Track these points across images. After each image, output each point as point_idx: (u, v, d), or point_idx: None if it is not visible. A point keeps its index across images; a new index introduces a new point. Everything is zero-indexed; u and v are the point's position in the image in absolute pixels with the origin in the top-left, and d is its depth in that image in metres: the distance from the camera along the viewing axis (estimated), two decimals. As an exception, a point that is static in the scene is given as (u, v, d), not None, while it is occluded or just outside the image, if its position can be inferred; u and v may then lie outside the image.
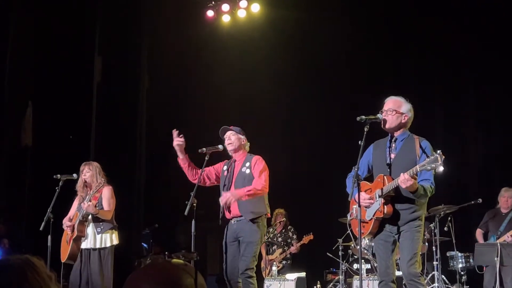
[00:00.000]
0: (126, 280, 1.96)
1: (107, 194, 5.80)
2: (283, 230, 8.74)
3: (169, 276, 1.95)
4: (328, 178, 8.48)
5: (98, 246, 5.69)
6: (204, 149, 5.09)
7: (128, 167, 9.29)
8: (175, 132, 5.29)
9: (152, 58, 9.97)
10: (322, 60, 9.77)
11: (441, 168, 3.93)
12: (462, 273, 7.53)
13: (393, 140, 4.36)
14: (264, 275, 8.04)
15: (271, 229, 8.54)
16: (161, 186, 9.84)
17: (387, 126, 4.33)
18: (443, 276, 7.36)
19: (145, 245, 9.64)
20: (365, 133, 4.17)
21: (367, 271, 7.60)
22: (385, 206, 4.18)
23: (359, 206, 4.18)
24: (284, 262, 8.56)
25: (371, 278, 6.97)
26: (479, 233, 7.45)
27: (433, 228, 7.32)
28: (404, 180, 3.96)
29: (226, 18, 9.84)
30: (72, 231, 5.70)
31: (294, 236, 8.68)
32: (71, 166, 6.05)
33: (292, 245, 8.55)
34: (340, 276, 7.71)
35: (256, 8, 9.65)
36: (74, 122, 9.06)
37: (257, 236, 5.06)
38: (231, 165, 5.28)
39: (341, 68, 9.78)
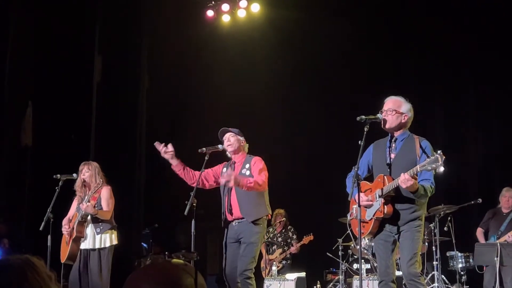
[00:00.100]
0: (126, 280, 1.96)
1: (106, 194, 5.79)
2: (283, 230, 8.74)
3: (169, 276, 1.95)
4: (328, 178, 8.48)
5: (97, 246, 5.69)
6: (204, 149, 5.09)
7: (128, 167, 9.28)
8: (158, 145, 5.22)
9: (152, 58, 9.97)
10: (322, 60, 9.77)
11: (441, 169, 3.93)
12: (462, 273, 7.53)
13: (393, 140, 4.36)
14: (264, 275, 8.04)
15: (271, 229, 8.54)
16: (161, 186, 9.83)
17: (387, 126, 4.33)
18: (443, 276, 7.36)
19: (145, 245, 9.64)
20: (365, 133, 4.17)
21: (367, 271, 7.60)
22: (385, 206, 4.18)
23: (359, 206, 4.18)
24: (284, 262, 8.56)
25: (371, 278, 6.98)
26: (479, 232, 7.44)
27: (433, 228, 7.32)
28: (404, 180, 3.96)
29: (226, 18, 9.83)
30: (71, 232, 5.69)
31: (294, 236, 8.68)
32: (71, 166, 6.04)
33: (292, 245, 8.55)
34: (340, 276, 7.72)
35: (256, 8, 9.65)
36: (74, 122, 9.06)
37: (258, 237, 5.06)
38: (230, 167, 5.27)
39: (341, 68, 9.78)
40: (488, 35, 8.85)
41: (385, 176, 4.22)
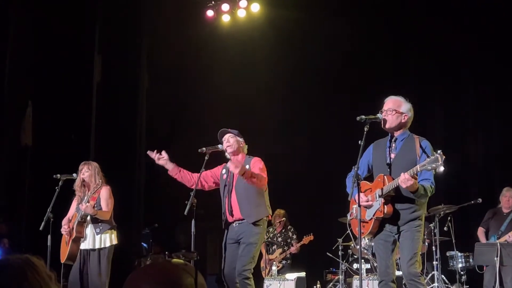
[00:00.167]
0: (126, 280, 1.96)
1: (105, 194, 5.78)
2: (283, 230, 8.74)
3: (169, 276, 1.95)
4: (328, 178, 8.48)
5: (97, 246, 5.68)
6: (204, 148, 5.09)
7: (128, 167, 9.28)
8: (151, 153, 5.29)
9: (152, 58, 9.97)
10: (322, 60, 9.77)
11: (441, 168, 3.93)
12: (462, 273, 7.53)
13: (393, 140, 4.36)
14: (264, 275, 8.05)
15: (271, 229, 8.55)
16: (161, 186, 9.83)
17: (387, 125, 4.33)
18: (443, 276, 7.36)
19: (145, 244, 9.64)
20: (365, 133, 4.17)
21: (367, 271, 7.60)
22: (385, 206, 4.17)
23: (359, 206, 4.18)
24: (284, 262, 8.56)
25: (371, 278, 6.97)
26: (481, 232, 7.44)
27: (433, 228, 7.32)
28: (404, 180, 3.96)
29: (226, 18, 9.83)
30: (71, 232, 5.69)
31: (294, 236, 8.68)
32: (71, 166, 6.04)
33: (292, 245, 8.55)
34: (340, 276, 7.72)
35: (256, 8, 9.65)
36: (74, 122, 9.05)
37: (257, 238, 5.06)
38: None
39: (341, 68, 9.78)
40: (488, 35, 8.85)
41: (385, 176, 4.22)
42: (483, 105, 9.29)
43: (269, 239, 8.47)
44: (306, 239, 8.36)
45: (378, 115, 4.29)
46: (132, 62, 9.63)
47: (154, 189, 9.84)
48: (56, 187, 5.78)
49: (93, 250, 5.68)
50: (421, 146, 4.21)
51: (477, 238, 7.42)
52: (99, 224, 5.70)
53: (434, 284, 7.10)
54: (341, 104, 9.62)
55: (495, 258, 6.27)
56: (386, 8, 9.38)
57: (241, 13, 9.77)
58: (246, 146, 5.35)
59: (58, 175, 5.84)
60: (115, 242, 5.78)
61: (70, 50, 8.97)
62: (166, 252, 7.67)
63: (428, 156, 4.01)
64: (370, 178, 4.47)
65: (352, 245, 7.77)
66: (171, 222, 9.75)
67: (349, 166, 4.39)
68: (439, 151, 3.82)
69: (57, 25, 8.92)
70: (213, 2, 9.81)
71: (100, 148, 8.97)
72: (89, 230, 5.71)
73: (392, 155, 4.32)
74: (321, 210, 9.18)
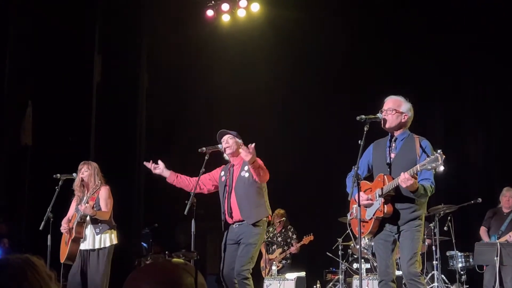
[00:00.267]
0: (126, 279, 1.96)
1: (104, 194, 5.77)
2: (283, 230, 8.74)
3: (169, 276, 1.95)
4: (328, 178, 8.48)
5: (97, 246, 5.68)
6: (204, 148, 5.09)
7: (128, 167, 9.29)
8: (147, 164, 5.40)
9: (152, 58, 9.97)
10: (322, 60, 9.77)
11: (441, 168, 3.93)
12: (461, 272, 7.53)
13: (393, 139, 4.36)
14: (263, 275, 8.05)
15: (270, 229, 8.55)
16: (161, 186, 9.82)
17: (387, 125, 4.33)
18: (442, 276, 7.36)
19: (145, 244, 9.64)
20: (365, 132, 4.17)
21: (367, 270, 7.60)
22: (385, 206, 4.18)
23: (359, 205, 4.18)
24: (283, 261, 8.56)
25: (370, 278, 6.97)
26: (483, 231, 7.43)
27: (432, 227, 7.32)
28: (404, 180, 3.96)
29: (226, 18, 9.83)
30: (70, 232, 5.68)
31: (294, 236, 8.68)
32: (71, 166, 6.04)
33: (292, 245, 8.55)
34: (340, 276, 7.72)
35: (256, 7, 9.65)
36: (74, 122, 9.05)
37: (257, 238, 5.06)
38: (229, 170, 5.27)
39: (341, 68, 9.78)
40: (488, 35, 8.85)
41: (385, 176, 4.22)
42: (483, 105, 9.29)
43: (269, 239, 8.47)
44: (306, 239, 8.36)
45: (378, 114, 4.29)
46: (132, 62, 9.63)
47: (154, 189, 9.83)
48: (56, 187, 5.77)
49: (93, 250, 5.67)
50: (421, 146, 4.21)
51: (478, 237, 7.41)
52: (99, 224, 5.70)
53: (434, 284, 7.10)
54: (341, 104, 9.62)
55: (495, 258, 6.27)
56: (386, 8, 9.38)
57: (241, 13, 9.77)
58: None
59: (58, 175, 5.84)
60: (115, 242, 5.77)
61: (70, 50, 8.97)
62: (166, 252, 7.67)
63: (428, 156, 4.00)
64: (370, 178, 4.47)
65: (352, 244, 7.78)
66: (171, 222, 9.75)
67: (349, 166, 4.38)
68: (439, 151, 3.82)
69: (57, 25, 8.92)
70: (213, 2, 9.81)
71: (100, 148, 8.97)
72: (88, 230, 5.70)
73: (392, 155, 4.32)
74: (321, 210, 9.17)
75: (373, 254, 6.83)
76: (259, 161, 5.01)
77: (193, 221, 4.80)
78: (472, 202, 7.25)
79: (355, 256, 7.93)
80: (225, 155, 5.30)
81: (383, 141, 4.44)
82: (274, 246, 8.63)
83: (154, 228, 9.51)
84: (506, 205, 7.35)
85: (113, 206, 5.83)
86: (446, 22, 9.12)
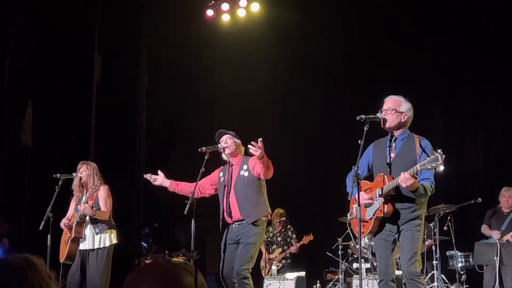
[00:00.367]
0: (126, 279, 1.96)
1: (103, 194, 5.77)
2: (283, 230, 8.74)
3: (169, 275, 1.94)
4: (328, 178, 8.48)
5: (96, 246, 5.67)
6: (203, 148, 5.09)
7: (128, 167, 9.28)
8: (147, 176, 5.48)
9: (152, 58, 9.97)
10: (321, 60, 9.77)
11: (441, 168, 3.93)
12: (461, 272, 7.53)
13: (393, 139, 4.37)
14: (263, 274, 8.05)
15: (270, 228, 8.55)
16: (161, 186, 9.83)
17: (387, 125, 4.33)
18: (442, 276, 7.36)
19: (144, 244, 9.65)
20: (365, 132, 4.17)
21: (367, 270, 7.60)
22: (385, 205, 4.18)
23: (359, 205, 4.18)
24: (283, 261, 8.56)
25: (370, 277, 6.98)
26: (485, 227, 7.42)
27: (432, 227, 7.32)
28: (404, 179, 3.96)
29: (225, 18, 9.83)
30: (70, 232, 5.68)
31: (294, 236, 8.68)
32: (71, 166, 6.04)
33: (292, 245, 8.55)
34: (340, 276, 7.72)
35: (255, 7, 9.65)
36: (74, 122, 9.06)
37: (256, 238, 5.06)
38: (228, 170, 5.27)
39: (341, 68, 9.78)
40: (488, 35, 8.85)
41: (385, 175, 4.23)
42: (483, 105, 9.29)
43: (269, 239, 8.47)
44: (306, 239, 8.36)
45: (378, 114, 4.29)
46: (132, 62, 9.62)
47: (154, 189, 9.81)
48: (56, 187, 5.77)
49: (92, 250, 5.67)
50: (421, 146, 4.21)
51: (480, 236, 7.39)
52: (98, 224, 5.70)
53: (434, 284, 7.10)
54: (341, 104, 9.62)
55: (495, 258, 6.27)
56: (386, 8, 9.38)
57: (241, 13, 9.77)
58: (244, 148, 5.35)
59: (58, 175, 5.83)
60: (114, 241, 5.77)
61: (70, 50, 8.97)
62: (166, 252, 7.67)
63: (428, 156, 4.01)
64: (370, 177, 4.48)
65: (352, 244, 7.78)
66: (171, 222, 9.75)
67: (349, 166, 4.38)
68: (439, 150, 3.82)
69: (57, 25, 8.92)
70: (213, 2, 9.81)
71: (100, 148, 8.97)
72: (88, 230, 5.70)
73: (392, 155, 4.32)
74: (321, 210, 9.17)
75: (373, 254, 6.83)
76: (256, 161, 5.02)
77: (193, 220, 4.80)
78: (472, 202, 7.25)
79: (355, 256, 7.93)
80: (223, 155, 5.29)
81: (383, 141, 4.44)
82: (274, 246, 8.63)
83: (154, 228, 9.52)
84: (505, 205, 7.35)
85: (112, 205, 5.83)
86: (446, 22, 9.12)
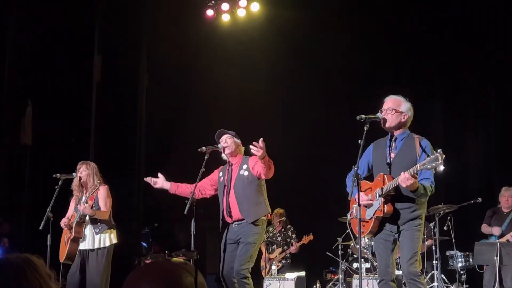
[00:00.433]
0: (126, 279, 1.96)
1: (103, 194, 5.76)
2: (283, 230, 8.74)
3: (169, 275, 1.94)
4: (328, 178, 8.48)
5: (96, 246, 5.67)
6: (203, 148, 5.09)
7: (128, 167, 9.29)
8: (147, 179, 5.50)
9: (151, 57, 9.98)
10: (321, 60, 9.77)
11: (441, 167, 3.94)
12: (461, 272, 7.53)
13: (393, 139, 4.36)
14: (263, 274, 8.05)
15: (270, 228, 8.55)
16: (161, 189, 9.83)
17: (387, 125, 4.33)
18: (442, 276, 7.36)
19: (144, 244, 9.65)
20: (364, 132, 4.17)
21: (367, 270, 7.60)
22: (385, 205, 4.18)
23: (359, 205, 4.18)
24: (283, 261, 8.56)
25: (370, 277, 6.97)
26: (485, 227, 7.42)
27: (432, 227, 7.32)
28: (404, 179, 3.96)
29: (225, 17, 9.83)
30: (70, 232, 5.68)
31: (294, 236, 8.68)
32: (71, 166, 6.04)
33: (292, 245, 8.55)
34: (340, 275, 7.72)
35: (255, 7, 9.64)
36: (73, 121, 9.06)
37: (256, 237, 5.06)
38: (228, 170, 5.27)
39: (340, 68, 9.78)
40: (488, 35, 8.85)
41: (385, 175, 4.22)
42: (483, 105, 9.29)
43: (269, 239, 8.47)
44: (306, 239, 8.35)
45: (378, 114, 4.29)
46: (131, 61, 9.63)
47: (154, 189, 9.83)
48: (56, 187, 5.77)
49: (92, 250, 5.66)
50: (421, 146, 4.21)
51: (480, 236, 7.38)
52: (98, 224, 5.69)
53: (433, 284, 7.10)
54: (341, 104, 9.62)
55: (495, 258, 6.27)
56: (386, 8, 9.38)
57: (241, 13, 9.77)
58: (243, 147, 5.35)
59: (58, 175, 5.83)
60: (114, 241, 5.76)
61: (70, 50, 8.97)
62: (166, 251, 7.68)
63: (428, 155, 4.01)
64: (370, 177, 4.48)
65: (352, 244, 7.78)
66: (171, 222, 9.75)
67: (349, 166, 4.38)
68: (439, 150, 3.82)
69: (57, 25, 8.92)
70: (213, 2, 9.81)
71: (100, 148, 8.97)
72: (88, 230, 5.70)
73: (392, 155, 4.32)
74: (321, 210, 9.17)
75: (373, 254, 6.83)
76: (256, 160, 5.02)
77: (192, 220, 4.80)
78: (472, 202, 7.25)
79: (355, 256, 7.93)
80: (222, 155, 5.29)
81: (383, 141, 4.44)
82: (274, 246, 8.63)
83: (154, 228, 9.52)
84: (505, 205, 7.35)
85: (112, 205, 5.82)
86: (446, 22, 9.12)
